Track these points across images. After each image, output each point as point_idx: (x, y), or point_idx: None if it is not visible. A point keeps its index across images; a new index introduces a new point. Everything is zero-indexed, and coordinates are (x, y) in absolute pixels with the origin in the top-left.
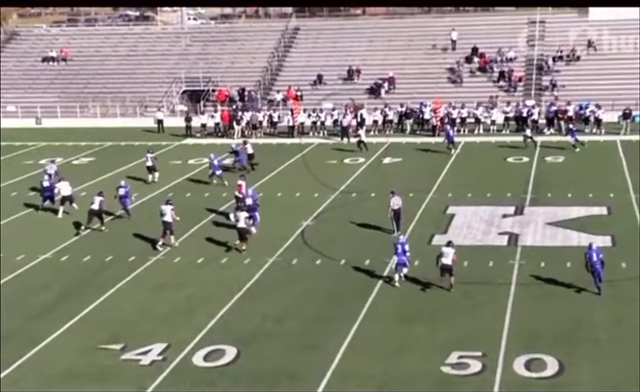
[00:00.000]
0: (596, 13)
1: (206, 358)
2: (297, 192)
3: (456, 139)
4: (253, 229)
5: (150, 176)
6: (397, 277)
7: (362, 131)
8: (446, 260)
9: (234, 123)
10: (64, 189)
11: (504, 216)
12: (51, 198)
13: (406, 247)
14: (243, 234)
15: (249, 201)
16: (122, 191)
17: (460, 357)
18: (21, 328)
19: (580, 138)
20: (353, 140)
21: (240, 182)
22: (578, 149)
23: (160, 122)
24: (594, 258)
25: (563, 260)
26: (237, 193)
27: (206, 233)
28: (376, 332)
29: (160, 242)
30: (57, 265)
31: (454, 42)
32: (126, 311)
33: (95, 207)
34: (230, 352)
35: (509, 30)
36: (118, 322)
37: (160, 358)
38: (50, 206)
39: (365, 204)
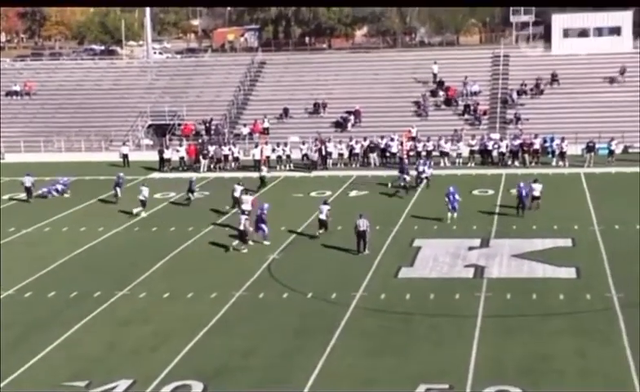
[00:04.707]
0: (559, 48)
1: None
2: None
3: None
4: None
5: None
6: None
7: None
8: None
9: (201, 157)
10: (144, 192)
11: (470, 248)
12: (119, 185)
13: (457, 197)
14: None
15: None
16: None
17: (428, 390)
18: None
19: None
20: (320, 173)
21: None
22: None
23: (125, 156)
24: (523, 193)
25: (529, 292)
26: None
27: (172, 268)
28: (344, 366)
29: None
30: (20, 301)
31: (435, 75)
32: (91, 347)
33: (323, 216)
34: (197, 387)
35: (474, 64)
36: (83, 359)
37: None
38: (116, 194)
39: (331, 237)
